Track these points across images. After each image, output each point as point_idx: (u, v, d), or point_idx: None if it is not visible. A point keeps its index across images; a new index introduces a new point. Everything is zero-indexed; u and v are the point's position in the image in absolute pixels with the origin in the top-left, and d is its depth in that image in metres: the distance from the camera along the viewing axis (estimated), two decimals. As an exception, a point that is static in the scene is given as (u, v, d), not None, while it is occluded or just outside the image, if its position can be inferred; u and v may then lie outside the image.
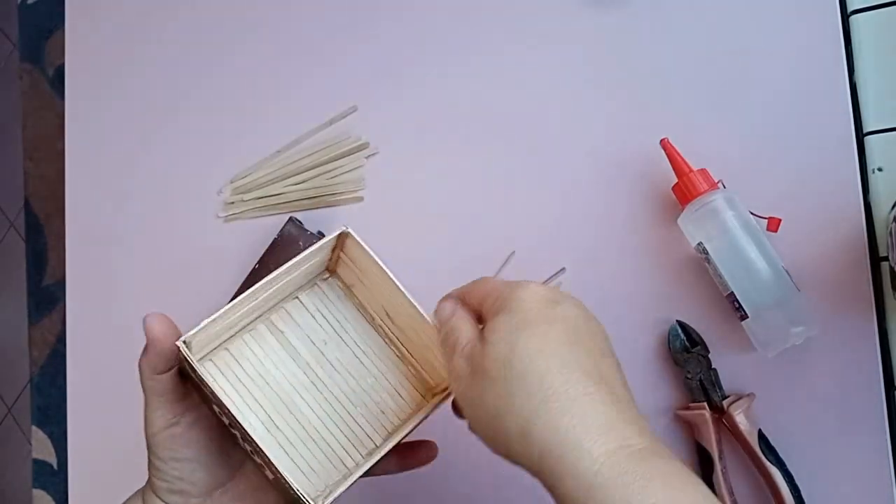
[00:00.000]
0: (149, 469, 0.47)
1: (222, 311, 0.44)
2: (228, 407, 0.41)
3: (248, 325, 0.50)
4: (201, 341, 0.45)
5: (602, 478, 0.35)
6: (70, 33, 0.84)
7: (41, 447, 0.80)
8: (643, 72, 0.62)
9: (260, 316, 0.50)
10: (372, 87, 0.70)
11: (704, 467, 0.56)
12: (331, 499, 0.43)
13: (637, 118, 0.62)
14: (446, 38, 0.68)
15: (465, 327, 0.43)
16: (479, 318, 0.44)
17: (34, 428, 0.81)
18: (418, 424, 0.47)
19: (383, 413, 0.50)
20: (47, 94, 0.85)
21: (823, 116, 0.57)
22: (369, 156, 0.69)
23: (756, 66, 0.59)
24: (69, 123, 0.82)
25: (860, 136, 0.56)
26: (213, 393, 0.42)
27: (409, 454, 0.50)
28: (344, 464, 0.49)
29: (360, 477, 0.45)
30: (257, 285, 0.45)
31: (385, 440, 0.49)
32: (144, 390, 0.45)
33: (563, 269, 0.51)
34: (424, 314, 0.47)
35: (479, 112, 0.67)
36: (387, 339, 0.52)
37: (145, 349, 0.45)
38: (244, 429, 0.41)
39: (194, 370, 0.42)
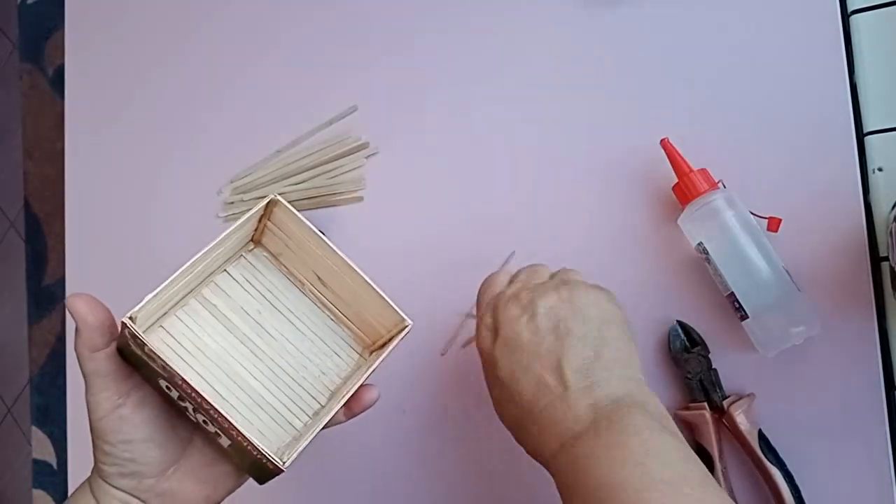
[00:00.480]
0: (95, 456, 0.46)
1: (161, 286, 0.44)
2: (182, 374, 0.41)
3: (179, 301, 0.51)
4: (141, 318, 0.44)
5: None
6: (70, 33, 0.84)
7: (41, 447, 0.81)
8: (643, 72, 0.62)
9: (190, 292, 0.51)
10: (372, 87, 0.70)
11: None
12: (294, 455, 0.44)
13: (637, 118, 0.62)
14: (446, 38, 0.68)
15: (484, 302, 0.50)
16: None
17: (34, 428, 0.81)
18: (362, 381, 0.49)
19: (324, 374, 0.52)
20: (47, 94, 0.85)
21: (823, 116, 0.57)
22: (369, 156, 0.69)
23: (756, 66, 0.59)
24: (69, 123, 0.82)
25: (860, 136, 0.56)
26: (164, 365, 0.42)
27: (352, 403, 0.50)
28: (293, 425, 0.50)
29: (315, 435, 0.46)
30: (189, 262, 0.46)
31: (329, 399, 0.51)
32: (85, 374, 0.45)
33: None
34: (357, 268, 0.49)
35: (478, 112, 0.67)
36: (319, 303, 0.54)
37: (77, 330, 0.44)
38: (201, 395, 0.41)
39: (143, 344, 0.41)
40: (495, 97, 0.66)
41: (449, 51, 0.68)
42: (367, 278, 0.49)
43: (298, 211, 0.50)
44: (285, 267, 0.54)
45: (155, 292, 0.44)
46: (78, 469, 0.78)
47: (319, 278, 0.53)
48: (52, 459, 0.80)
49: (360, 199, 0.69)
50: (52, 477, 0.80)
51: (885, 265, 0.55)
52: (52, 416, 0.80)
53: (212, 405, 0.42)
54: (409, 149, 0.68)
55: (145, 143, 0.78)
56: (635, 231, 0.61)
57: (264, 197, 0.49)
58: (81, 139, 0.82)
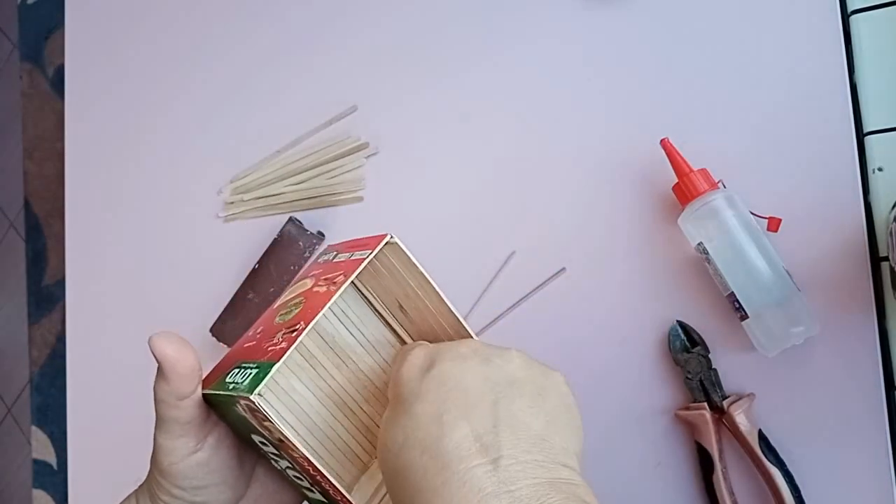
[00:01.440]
0: (157, 492, 0.43)
1: (289, 352, 0.37)
2: (293, 441, 0.36)
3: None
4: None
5: None
6: (70, 33, 0.84)
7: (41, 447, 0.81)
8: (643, 72, 0.62)
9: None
10: (372, 87, 0.70)
11: (704, 467, 0.56)
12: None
13: (637, 118, 0.62)
14: (446, 38, 0.68)
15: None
16: None
17: (34, 428, 0.81)
18: None
19: None
20: (47, 94, 0.85)
21: (823, 116, 0.57)
22: (369, 156, 0.69)
23: (756, 65, 0.59)
24: (69, 123, 0.82)
25: (860, 136, 0.56)
26: (279, 436, 0.37)
27: None
28: (360, 458, 0.47)
29: None
30: (310, 325, 0.39)
31: None
32: (163, 419, 0.41)
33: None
34: (450, 304, 0.45)
35: (478, 112, 0.67)
36: (394, 334, 0.50)
37: (162, 374, 0.40)
38: (310, 460, 0.36)
39: (266, 418, 0.36)
40: (495, 97, 0.66)
41: (449, 51, 0.68)
42: (459, 316, 0.45)
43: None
44: (369, 297, 0.50)
45: (281, 361, 0.37)
46: (78, 469, 0.78)
47: (401, 306, 0.49)
48: (52, 459, 0.80)
49: (360, 199, 0.69)
50: (52, 477, 0.80)
51: (885, 265, 0.55)
52: (52, 416, 0.80)
53: (319, 471, 0.37)
54: (409, 149, 0.68)
55: (145, 142, 0.78)
56: (635, 231, 0.61)
57: (378, 239, 0.45)
58: (81, 139, 0.82)
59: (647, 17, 0.63)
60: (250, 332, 0.45)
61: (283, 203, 0.71)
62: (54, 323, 0.82)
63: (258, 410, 0.36)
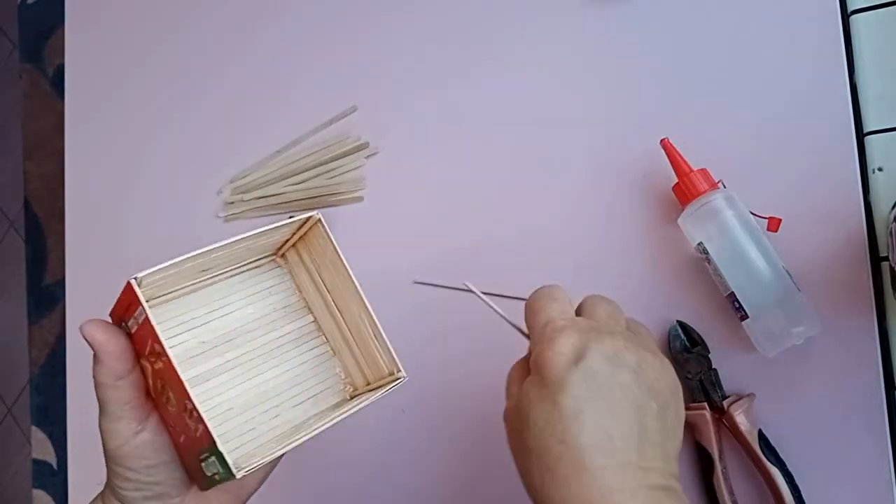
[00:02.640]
0: (113, 481, 0.45)
1: (173, 261, 0.44)
2: (162, 339, 0.41)
3: (186, 287, 0.50)
4: (145, 286, 0.44)
5: None
6: (70, 33, 0.84)
7: (41, 447, 0.81)
8: (643, 72, 0.62)
9: (199, 283, 0.51)
10: (372, 87, 0.70)
11: (704, 467, 0.56)
12: (250, 468, 0.43)
13: (637, 118, 0.62)
14: (446, 37, 0.68)
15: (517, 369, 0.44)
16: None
17: (34, 428, 0.81)
18: (335, 421, 0.47)
19: (300, 404, 0.52)
20: (47, 94, 0.85)
21: (823, 116, 0.57)
22: (369, 156, 0.69)
23: (756, 65, 0.59)
24: (69, 123, 0.82)
25: (860, 136, 0.56)
26: (151, 331, 0.41)
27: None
28: (256, 441, 0.50)
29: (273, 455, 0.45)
30: (207, 248, 0.45)
31: (297, 430, 0.50)
32: (104, 401, 0.44)
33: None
34: (370, 308, 0.50)
35: (478, 112, 0.67)
36: (321, 330, 0.54)
37: (97, 358, 0.43)
38: (177, 373, 0.41)
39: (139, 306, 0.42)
40: (495, 97, 0.66)
41: (449, 51, 0.68)
42: (376, 320, 0.49)
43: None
44: (296, 283, 0.54)
45: (164, 265, 0.43)
46: (78, 469, 0.78)
47: (327, 305, 0.53)
48: (52, 459, 0.80)
49: (361, 199, 0.69)
50: (52, 477, 0.80)
51: (885, 265, 0.55)
52: (52, 416, 0.80)
53: (187, 392, 0.41)
54: (409, 149, 0.68)
55: (145, 143, 0.78)
56: (635, 231, 0.61)
57: (301, 213, 0.49)
58: (81, 139, 0.82)
59: (647, 17, 0.63)
60: (171, 422, 0.46)
61: (283, 203, 0.71)
62: (54, 323, 0.82)
63: (138, 299, 0.42)
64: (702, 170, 0.56)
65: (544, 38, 0.65)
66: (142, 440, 0.44)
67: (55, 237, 0.82)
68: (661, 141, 0.57)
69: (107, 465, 0.45)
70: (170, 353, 0.41)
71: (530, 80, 0.65)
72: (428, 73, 0.69)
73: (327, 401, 0.53)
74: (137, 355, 0.45)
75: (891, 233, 0.51)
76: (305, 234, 0.51)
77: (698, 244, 0.56)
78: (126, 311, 0.44)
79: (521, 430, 0.40)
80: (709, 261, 0.55)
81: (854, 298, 0.55)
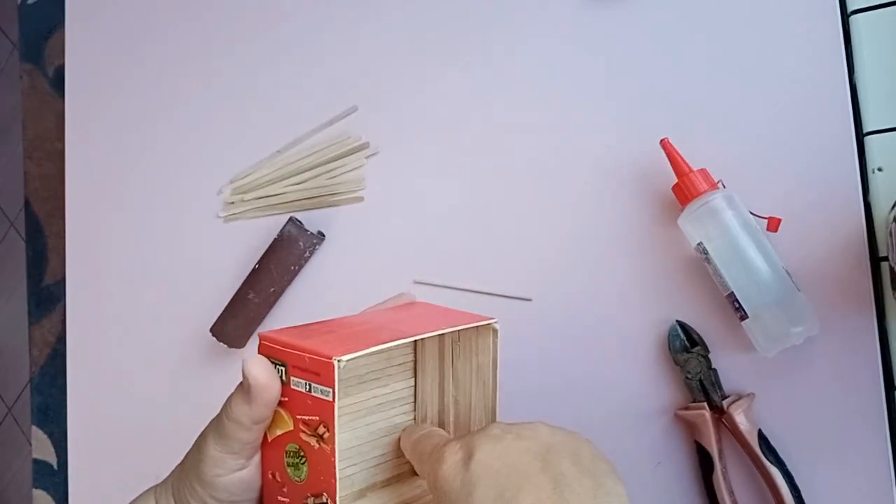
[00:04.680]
0: (185, 493, 0.44)
1: (380, 347, 0.40)
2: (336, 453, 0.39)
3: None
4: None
5: None
6: (70, 33, 0.84)
7: (41, 447, 0.81)
8: (643, 72, 0.62)
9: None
10: (372, 87, 0.70)
11: (704, 467, 0.56)
12: None
13: (637, 118, 0.62)
14: (446, 38, 0.68)
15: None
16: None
17: (34, 428, 0.81)
18: None
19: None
20: (47, 94, 0.85)
21: (823, 116, 0.57)
22: (369, 156, 0.69)
23: (756, 65, 0.59)
24: (69, 123, 0.82)
25: (860, 136, 0.56)
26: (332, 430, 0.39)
27: None
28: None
29: None
30: (416, 337, 0.42)
31: None
32: (228, 436, 0.42)
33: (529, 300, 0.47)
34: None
35: (479, 112, 0.67)
36: (412, 395, 0.51)
37: (245, 396, 0.41)
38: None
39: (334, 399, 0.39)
40: (495, 97, 0.66)
41: (449, 51, 0.68)
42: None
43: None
44: (416, 350, 0.51)
45: (368, 351, 0.40)
46: (78, 469, 0.78)
47: (442, 385, 0.50)
48: (53, 459, 0.80)
49: (361, 199, 0.69)
50: (53, 477, 0.80)
51: (885, 265, 0.55)
52: (52, 416, 0.80)
53: (334, 494, 0.39)
54: (409, 149, 0.68)
55: (145, 142, 0.78)
56: (635, 231, 0.61)
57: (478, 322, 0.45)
58: (81, 139, 0.82)
59: (647, 18, 0.63)
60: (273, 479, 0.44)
61: (283, 203, 0.71)
62: (54, 323, 0.82)
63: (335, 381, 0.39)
64: (702, 170, 0.56)
65: (544, 38, 0.65)
66: (240, 477, 0.43)
67: (55, 237, 0.82)
68: (661, 141, 0.57)
69: (187, 479, 0.44)
70: (337, 449, 0.39)
71: (530, 80, 0.65)
72: (428, 73, 0.69)
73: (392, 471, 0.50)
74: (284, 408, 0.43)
75: (891, 233, 0.51)
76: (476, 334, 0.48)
77: (698, 244, 0.56)
78: (302, 371, 0.41)
79: None
80: (708, 261, 0.55)
81: (854, 298, 0.55)
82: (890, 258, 0.51)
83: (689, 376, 0.57)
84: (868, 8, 0.57)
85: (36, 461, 0.81)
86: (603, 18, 0.64)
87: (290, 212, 0.71)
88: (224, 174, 0.74)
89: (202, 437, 0.44)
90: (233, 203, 0.73)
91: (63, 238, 0.81)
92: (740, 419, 0.54)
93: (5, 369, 1.90)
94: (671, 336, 0.58)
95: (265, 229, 0.72)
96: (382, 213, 0.68)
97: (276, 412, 0.42)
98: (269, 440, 0.44)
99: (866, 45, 0.57)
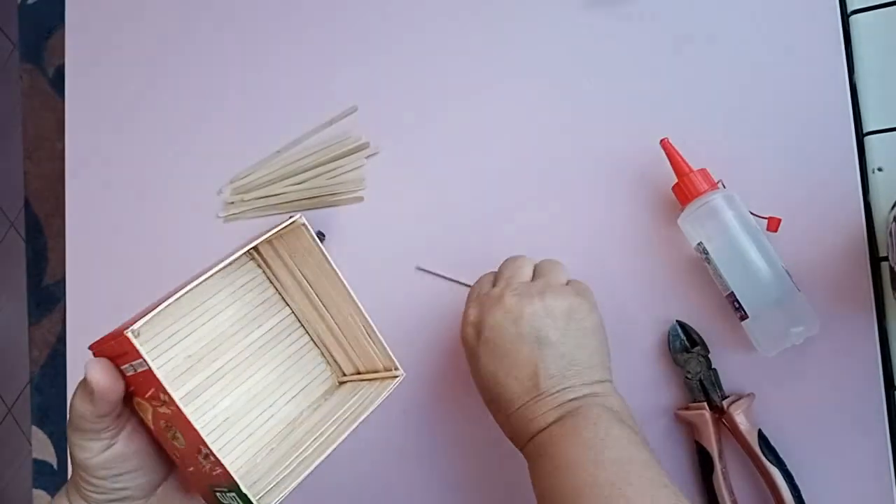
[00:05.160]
0: (78, 482, 0.46)
1: (169, 301, 0.44)
2: (166, 386, 0.41)
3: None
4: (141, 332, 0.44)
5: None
6: (70, 33, 0.84)
7: (41, 447, 0.81)
8: (643, 72, 0.62)
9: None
10: (372, 87, 0.70)
11: (704, 467, 0.56)
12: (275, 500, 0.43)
13: (637, 118, 0.62)
14: (446, 38, 0.68)
15: (522, 271, 0.53)
16: None
17: (34, 428, 0.81)
18: (349, 431, 0.48)
19: (293, 398, 0.53)
20: (47, 94, 0.85)
21: (823, 116, 0.57)
22: (369, 156, 0.69)
23: (756, 65, 0.59)
24: (69, 123, 0.82)
25: (860, 136, 0.56)
26: (162, 388, 0.41)
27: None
28: (260, 446, 0.51)
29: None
30: (193, 284, 0.47)
31: (292, 423, 0.51)
32: (79, 427, 0.44)
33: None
34: (362, 308, 0.51)
35: (479, 112, 0.67)
36: (304, 322, 0.54)
37: (87, 396, 0.43)
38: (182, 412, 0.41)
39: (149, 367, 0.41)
40: (495, 97, 0.66)
41: (449, 51, 0.68)
42: (370, 320, 0.50)
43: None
44: (272, 281, 0.54)
45: (157, 310, 0.43)
46: (78, 469, 0.78)
47: (308, 298, 0.53)
48: (52, 459, 0.80)
49: (361, 199, 0.69)
50: (52, 477, 0.80)
51: (885, 265, 0.55)
52: (52, 416, 0.80)
53: (202, 439, 0.41)
54: (409, 149, 0.68)
55: (145, 142, 0.78)
56: (635, 231, 0.61)
57: (286, 218, 0.49)
58: (81, 139, 0.82)
59: (647, 18, 0.63)
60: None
61: (283, 203, 0.71)
62: (54, 323, 0.82)
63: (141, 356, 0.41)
64: (702, 170, 0.56)
65: (544, 39, 0.65)
66: (112, 453, 0.44)
67: (55, 237, 0.82)
68: (661, 141, 0.57)
69: (72, 469, 0.46)
70: (180, 404, 0.41)
71: (530, 80, 0.65)
72: (428, 72, 0.69)
73: (317, 390, 0.54)
74: (133, 394, 0.45)
75: (891, 233, 0.51)
76: (283, 232, 0.51)
77: (698, 244, 0.56)
78: (121, 357, 0.44)
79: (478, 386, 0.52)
80: (708, 261, 0.55)
81: (854, 298, 0.55)
82: (890, 258, 0.51)
83: (689, 376, 0.57)
84: (868, 8, 0.57)
85: (36, 461, 0.81)
86: (603, 18, 0.64)
87: (290, 212, 0.71)
88: (224, 174, 0.74)
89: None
90: (233, 203, 0.73)
91: (63, 238, 0.81)
92: (740, 419, 0.54)
93: (5, 369, 1.90)
94: (671, 336, 0.58)
95: (265, 229, 0.71)
96: (382, 213, 0.68)
97: (136, 402, 0.45)
98: (152, 427, 0.45)
99: (866, 45, 0.57)
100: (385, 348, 0.50)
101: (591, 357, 0.49)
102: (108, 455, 0.44)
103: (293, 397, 0.53)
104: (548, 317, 0.49)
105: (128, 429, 0.45)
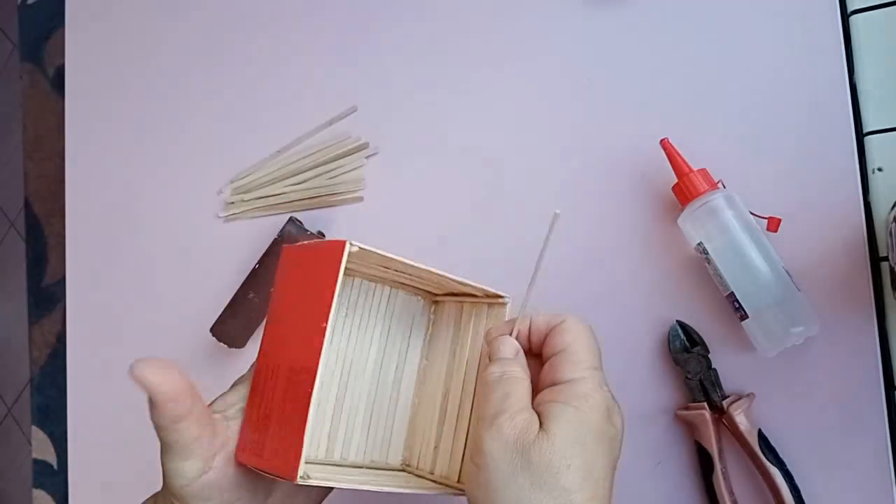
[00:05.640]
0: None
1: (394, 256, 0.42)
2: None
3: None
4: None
5: None
6: (70, 33, 0.84)
7: (41, 447, 0.81)
8: (643, 72, 0.62)
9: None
10: (372, 87, 0.70)
11: (704, 467, 0.56)
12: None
13: (637, 118, 0.62)
14: (446, 37, 0.68)
15: (520, 390, 0.42)
16: (533, 352, 0.45)
17: (34, 428, 0.81)
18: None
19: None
20: (47, 94, 0.85)
21: (823, 116, 0.57)
22: (369, 156, 0.69)
23: (756, 65, 0.59)
24: (69, 123, 0.82)
25: (860, 136, 0.56)
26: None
27: None
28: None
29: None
30: (428, 268, 0.45)
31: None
32: (167, 444, 0.40)
33: (556, 214, 0.46)
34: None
35: (478, 112, 0.67)
36: (421, 383, 0.52)
37: (153, 404, 0.39)
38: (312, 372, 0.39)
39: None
40: (495, 97, 0.66)
41: (449, 51, 0.68)
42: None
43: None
44: (430, 336, 0.52)
45: (382, 252, 0.42)
46: (78, 469, 0.78)
47: (449, 377, 0.51)
48: (53, 459, 0.80)
49: (361, 199, 0.69)
50: (53, 477, 0.80)
51: (885, 265, 0.55)
52: (52, 416, 0.80)
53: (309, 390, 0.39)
54: (409, 149, 0.68)
55: (145, 142, 0.78)
56: (635, 231, 0.61)
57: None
58: (81, 139, 0.82)
59: (646, 17, 0.63)
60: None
61: (283, 203, 0.71)
62: (54, 323, 0.82)
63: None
64: (702, 170, 0.56)
65: (544, 38, 0.66)
66: (208, 480, 0.41)
67: (55, 237, 0.82)
68: (661, 141, 0.57)
69: (165, 495, 0.43)
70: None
71: (530, 80, 0.65)
72: (428, 73, 0.69)
73: (383, 456, 0.51)
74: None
75: (891, 233, 0.51)
76: (484, 304, 0.49)
77: (698, 244, 0.56)
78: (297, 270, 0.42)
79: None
80: (709, 261, 0.55)
81: (854, 298, 0.55)
82: (890, 258, 0.51)
83: (690, 376, 0.57)
84: (868, 8, 0.57)
85: (36, 461, 0.81)
86: (603, 18, 0.64)
87: (290, 212, 0.71)
88: (224, 174, 0.74)
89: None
90: (233, 203, 0.73)
91: (63, 238, 0.81)
92: (740, 419, 0.54)
93: (5, 369, 1.90)
94: (671, 336, 0.58)
95: (265, 229, 0.72)
96: (382, 213, 0.68)
97: (202, 404, 0.42)
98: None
99: (866, 45, 0.57)
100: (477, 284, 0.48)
101: (609, 478, 0.43)
102: (203, 482, 0.41)
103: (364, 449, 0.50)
104: (613, 432, 0.43)
105: (223, 456, 0.42)
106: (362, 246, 0.40)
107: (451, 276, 0.46)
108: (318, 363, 0.39)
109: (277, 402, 0.41)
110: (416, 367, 0.51)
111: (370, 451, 0.50)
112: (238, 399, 0.45)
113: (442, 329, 0.52)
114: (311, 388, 0.38)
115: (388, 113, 0.69)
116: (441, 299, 0.52)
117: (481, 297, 0.49)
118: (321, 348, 0.39)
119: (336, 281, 0.39)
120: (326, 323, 0.39)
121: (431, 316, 0.52)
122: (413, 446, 0.51)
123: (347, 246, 0.39)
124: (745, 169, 0.58)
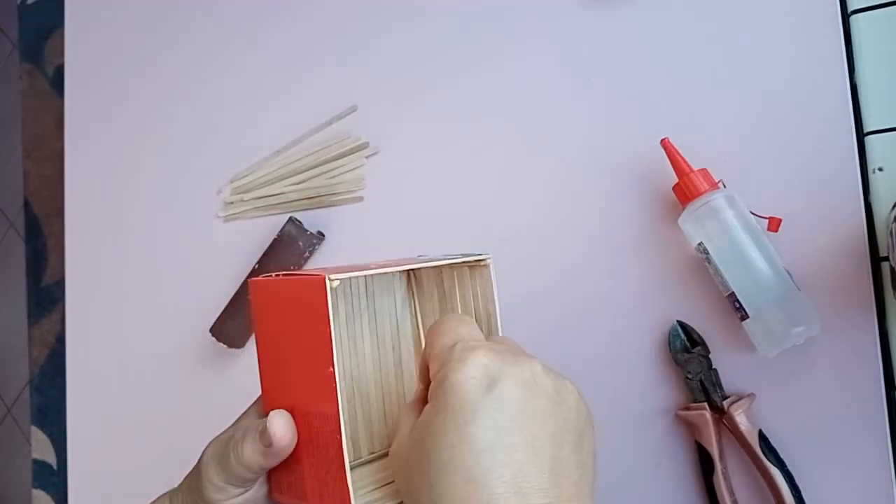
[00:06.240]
0: None
1: (369, 272, 0.41)
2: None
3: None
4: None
5: None
6: (70, 33, 0.84)
7: (41, 447, 0.81)
8: (643, 72, 0.62)
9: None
10: (372, 87, 0.70)
11: (705, 467, 0.56)
12: None
13: (637, 118, 0.62)
14: (446, 38, 0.68)
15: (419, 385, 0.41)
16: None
17: (34, 428, 0.81)
18: None
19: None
20: (47, 94, 0.85)
21: (823, 116, 0.57)
22: (369, 156, 0.69)
23: (756, 65, 0.59)
24: (69, 123, 0.82)
25: (860, 136, 0.56)
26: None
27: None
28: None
29: None
30: (418, 265, 0.43)
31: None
32: (234, 473, 0.41)
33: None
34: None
35: (478, 111, 0.67)
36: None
37: (261, 449, 0.40)
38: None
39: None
40: (495, 97, 0.66)
41: (449, 51, 0.68)
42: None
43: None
44: (416, 309, 0.52)
45: (357, 273, 0.40)
46: (78, 469, 0.78)
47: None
48: (52, 459, 0.80)
49: (361, 199, 0.69)
50: (53, 477, 0.80)
51: (885, 265, 0.55)
52: (52, 416, 0.80)
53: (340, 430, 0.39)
54: (409, 149, 0.68)
55: (145, 142, 0.78)
56: (635, 231, 0.61)
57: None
58: (81, 139, 0.82)
59: (646, 17, 0.63)
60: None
61: (283, 203, 0.71)
62: (54, 323, 0.82)
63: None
64: (702, 170, 0.56)
65: (544, 38, 0.65)
66: (244, 499, 0.43)
67: (55, 237, 0.82)
68: (661, 141, 0.57)
69: (192, 495, 0.44)
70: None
71: (530, 80, 0.65)
72: (428, 73, 0.69)
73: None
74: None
75: (891, 233, 0.51)
76: (466, 267, 0.49)
77: (698, 244, 0.56)
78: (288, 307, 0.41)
79: (417, 468, 0.35)
80: (709, 261, 0.55)
81: (854, 298, 0.55)
82: (890, 258, 0.51)
83: (690, 376, 0.57)
84: (868, 8, 0.57)
85: (36, 461, 0.81)
86: (603, 18, 0.64)
87: (289, 212, 0.71)
88: (224, 174, 0.74)
89: (203, 462, 0.43)
90: (233, 203, 0.73)
91: (63, 238, 0.81)
92: (741, 419, 0.54)
93: (5, 369, 1.90)
94: (672, 336, 0.58)
95: (265, 229, 0.72)
96: (382, 213, 0.68)
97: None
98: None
99: (866, 45, 0.57)
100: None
101: (591, 482, 0.38)
102: (239, 500, 0.42)
103: None
104: (581, 414, 0.39)
105: (261, 479, 0.43)
106: (341, 278, 0.39)
107: (434, 262, 0.46)
108: (337, 409, 0.38)
109: (303, 443, 0.41)
110: (411, 339, 0.52)
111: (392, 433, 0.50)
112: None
113: (426, 296, 0.52)
114: (339, 435, 0.38)
115: (388, 113, 0.69)
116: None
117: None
118: (336, 393, 0.38)
119: (328, 322, 0.38)
120: (333, 368, 0.38)
121: (414, 288, 0.52)
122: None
123: (328, 283, 0.38)
124: (746, 169, 0.58)
